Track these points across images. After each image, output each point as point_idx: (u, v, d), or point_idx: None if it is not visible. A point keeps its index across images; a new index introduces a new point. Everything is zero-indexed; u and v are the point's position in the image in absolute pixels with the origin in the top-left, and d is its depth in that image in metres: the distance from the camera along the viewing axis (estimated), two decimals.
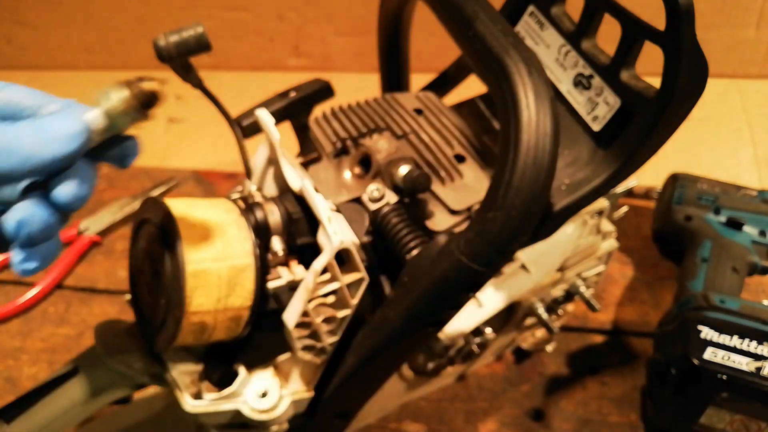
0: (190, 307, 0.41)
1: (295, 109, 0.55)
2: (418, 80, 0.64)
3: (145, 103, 0.33)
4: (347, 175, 0.52)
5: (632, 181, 0.60)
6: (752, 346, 0.58)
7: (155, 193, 0.91)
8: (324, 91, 0.57)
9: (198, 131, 1.03)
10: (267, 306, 0.45)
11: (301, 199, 0.46)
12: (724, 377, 0.57)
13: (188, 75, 0.48)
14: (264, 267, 0.43)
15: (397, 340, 0.44)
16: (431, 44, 0.90)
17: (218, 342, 0.45)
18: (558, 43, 0.52)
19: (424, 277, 0.41)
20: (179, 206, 0.43)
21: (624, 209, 0.66)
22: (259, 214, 0.46)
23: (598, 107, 0.49)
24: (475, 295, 0.45)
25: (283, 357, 0.47)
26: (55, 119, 0.33)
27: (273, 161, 0.53)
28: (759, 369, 0.57)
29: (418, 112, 0.55)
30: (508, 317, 0.62)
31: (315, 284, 0.42)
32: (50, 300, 0.80)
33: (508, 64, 0.39)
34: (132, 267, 0.47)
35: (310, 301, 0.42)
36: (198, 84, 0.49)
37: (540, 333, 0.71)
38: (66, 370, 0.49)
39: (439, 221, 0.48)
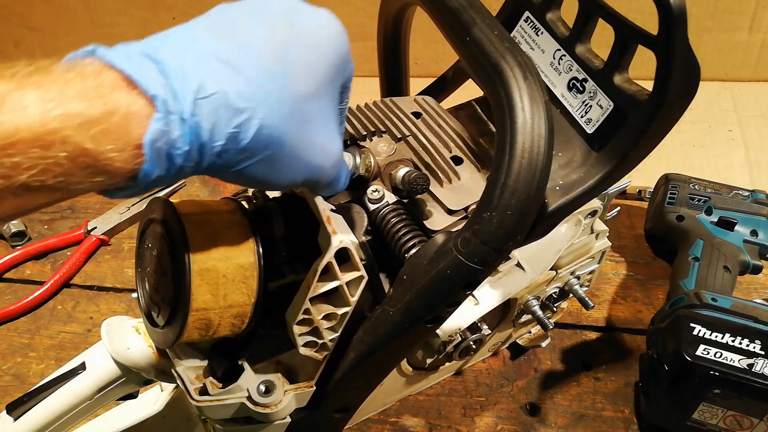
0: (195, 304, 0.41)
1: None
2: (417, 84, 0.65)
3: None
4: None
5: (625, 182, 0.61)
6: (744, 343, 0.59)
7: (162, 194, 0.90)
8: None
9: None
10: (270, 303, 0.45)
11: (302, 200, 0.47)
12: (717, 374, 0.57)
13: None
14: (267, 266, 0.44)
15: (396, 336, 0.44)
16: (430, 50, 0.90)
17: (223, 338, 0.46)
18: (553, 48, 0.53)
19: (423, 274, 0.42)
20: (185, 206, 0.44)
21: (617, 209, 0.67)
22: (262, 215, 0.47)
23: (591, 110, 0.50)
24: (472, 293, 0.46)
25: (285, 353, 0.48)
26: None
27: None
28: (751, 366, 0.57)
29: (417, 115, 0.55)
30: (504, 314, 0.63)
31: (316, 283, 0.42)
32: (58, 298, 0.80)
33: (503, 68, 0.40)
34: (139, 265, 0.47)
35: (311, 299, 0.43)
36: None
37: (535, 329, 0.72)
38: (73, 366, 0.50)
39: (437, 221, 0.49)
